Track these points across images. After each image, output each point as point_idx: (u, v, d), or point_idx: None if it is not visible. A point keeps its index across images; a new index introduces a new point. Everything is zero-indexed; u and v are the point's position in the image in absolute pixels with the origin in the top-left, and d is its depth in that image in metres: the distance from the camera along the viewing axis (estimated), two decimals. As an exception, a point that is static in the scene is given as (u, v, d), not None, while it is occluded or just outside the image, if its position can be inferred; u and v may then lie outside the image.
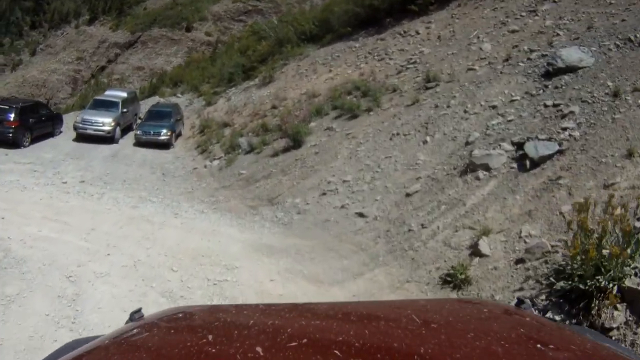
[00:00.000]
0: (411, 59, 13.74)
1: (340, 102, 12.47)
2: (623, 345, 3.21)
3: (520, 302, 1.27)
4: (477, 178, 6.45)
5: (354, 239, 6.27)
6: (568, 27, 10.68)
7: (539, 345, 0.94)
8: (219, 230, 7.48)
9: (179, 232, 7.30)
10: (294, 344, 0.90)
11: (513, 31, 11.63)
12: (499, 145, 6.99)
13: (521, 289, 4.21)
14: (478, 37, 12.62)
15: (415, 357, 0.85)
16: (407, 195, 6.85)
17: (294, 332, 0.98)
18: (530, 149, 6.81)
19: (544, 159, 6.63)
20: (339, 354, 0.84)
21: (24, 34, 47.26)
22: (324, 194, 8.42)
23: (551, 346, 0.94)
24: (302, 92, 14.83)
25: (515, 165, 6.72)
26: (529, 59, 10.57)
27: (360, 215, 6.92)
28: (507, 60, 10.60)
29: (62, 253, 6.03)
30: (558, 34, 10.63)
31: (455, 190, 6.31)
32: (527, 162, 6.62)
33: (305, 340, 0.93)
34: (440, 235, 5.52)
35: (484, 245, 4.92)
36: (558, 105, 8.35)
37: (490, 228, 5.17)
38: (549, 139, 7.04)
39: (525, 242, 4.78)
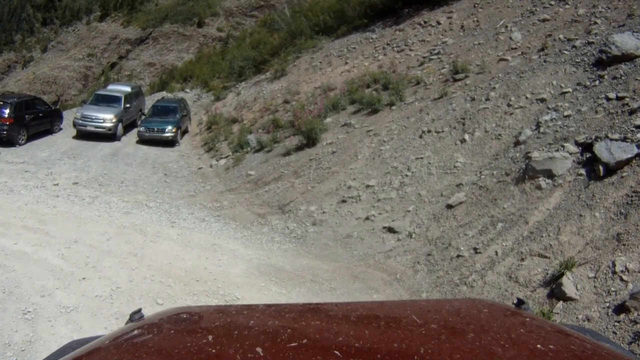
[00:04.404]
0: (434, 49, 12.87)
1: (358, 96, 11.42)
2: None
3: (520, 302, 1.25)
4: (539, 187, 5.16)
5: (386, 264, 5.05)
6: (605, 15, 9.82)
7: (539, 345, 0.92)
8: (221, 244, 6.35)
9: (173, 247, 6.20)
10: (294, 344, 0.90)
11: (544, 20, 10.86)
12: (562, 146, 5.67)
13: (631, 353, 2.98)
14: (506, 27, 12.06)
15: (415, 357, 0.84)
16: (449, 207, 5.59)
17: (294, 332, 0.99)
18: (602, 151, 5.49)
19: (621, 164, 5.30)
20: (339, 354, 0.84)
21: (35, 31, 47.11)
22: (344, 201, 7.22)
23: (551, 346, 0.92)
24: (317, 86, 13.74)
25: (583, 171, 5.41)
26: (574, 47, 9.57)
27: (390, 230, 5.69)
28: (542, 50, 10.00)
29: (30, 276, 5.00)
30: (596, 22, 9.68)
31: (512, 203, 5.04)
32: (600, 168, 5.31)
33: (305, 341, 0.93)
34: (501, 265, 4.27)
35: (568, 284, 3.66)
36: (622, 98, 7.15)
37: (570, 258, 3.89)
38: (624, 139, 5.70)
39: (622, 279, 3.52)
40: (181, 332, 1.09)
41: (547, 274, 3.94)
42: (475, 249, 4.68)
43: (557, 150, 5.55)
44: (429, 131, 7.96)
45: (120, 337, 1.05)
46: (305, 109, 11.91)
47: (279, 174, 9.74)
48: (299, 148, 10.37)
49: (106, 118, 14.02)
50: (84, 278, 4.93)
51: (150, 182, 10.67)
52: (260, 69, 18.45)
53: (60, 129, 14.92)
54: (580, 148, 5.78)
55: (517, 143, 6.39)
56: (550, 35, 10.06)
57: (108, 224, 7.12)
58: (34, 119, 13.23)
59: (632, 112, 6.59)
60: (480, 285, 4.11)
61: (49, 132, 14.13)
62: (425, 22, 14.83)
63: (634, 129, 6.04)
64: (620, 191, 4.74)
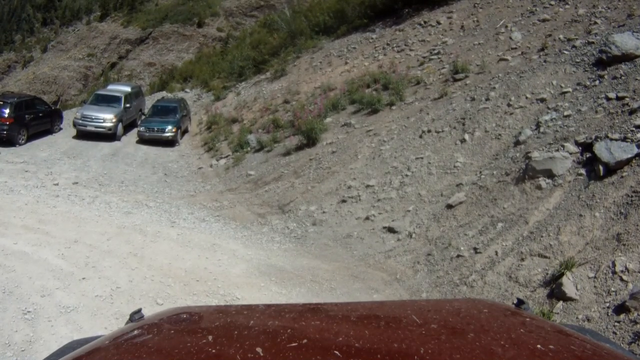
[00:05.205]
0: (434, 49, 12.89)
1: (358, 96, 11.42)
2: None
3: (520, 302, 1.25)
4: (539, 187, 5.16)
5: (385, 264, 5.05)
6: (605, 15, 9.86)
7: (539, 346, 0.92)
8: (220, 244, 6.35)
9: (173, 247, 6.20)
10: (294, 344, 0.90)
11: (544, 20, 10.90)
12: (562, 146, 5.67)
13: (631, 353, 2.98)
14: (506, 27, 12.09)
15: (415, 357, 0.84)
16: (449, 207, 5.59)
17: (294, 332, 0.99)
18: (602, 151, 5.49)
19: (621, 164, 5.31)
20: (339, 354, 0.84)
21: (35, 31, 47.11)
22: (344, 201, 7.22)
23: (551, 346, 0.92)
24: (317, 86, 13.74)
25: (583, 171, 5.41)
26: (574, 47, 9.58)
27: (390, 230, 5.69)
28: (542, 49, 10.03)
29: (30, 276, 4.99)
30: (596, 22, 9.69)
31: (512, 203, 5.04)
32: (600, 168, 5.31)
33: (305, 341, 0.93)
34: (501, 265, 4.27)
35: (568, 284, 3.66)
36: (622, 98, 7.16)
37: (570, 258, 3.90)
38: (624, 139, 5.71)
39: (622, 279, 3.53)
40: (181, 332, 1.09)
41: (547, 274, 3.94)
42: (475, 249, 4.68)
43: (557, 150, 5.55)
44: (429, 131, 7.96)
45: (120, 337, 1.05)
46: (305, 109, 11.92)
47: (279, 173, 9.74)
48: (299, 148, 10.37)
49: (106, 118, 14.02)
50: (84, 278, 4.93)
51: (150, 182, 10.68)
52: (260, 69, 18.45)
53: (60, 128, 14.92)
54: (580, 148, 5.78)
55: (517, 143, 6.39)
56: (550, 35, 10.08)
57: (108, 224, 7.12)
58: (34, 119, 13.23)
59: (632, 112, 6.60)
60: (480, 285, 4.11)
61: (49, 132, 14.13)
62: (425, 22, 14.84)
63: (634, 128, 6.04)
64: (620, 191, 4.74)
